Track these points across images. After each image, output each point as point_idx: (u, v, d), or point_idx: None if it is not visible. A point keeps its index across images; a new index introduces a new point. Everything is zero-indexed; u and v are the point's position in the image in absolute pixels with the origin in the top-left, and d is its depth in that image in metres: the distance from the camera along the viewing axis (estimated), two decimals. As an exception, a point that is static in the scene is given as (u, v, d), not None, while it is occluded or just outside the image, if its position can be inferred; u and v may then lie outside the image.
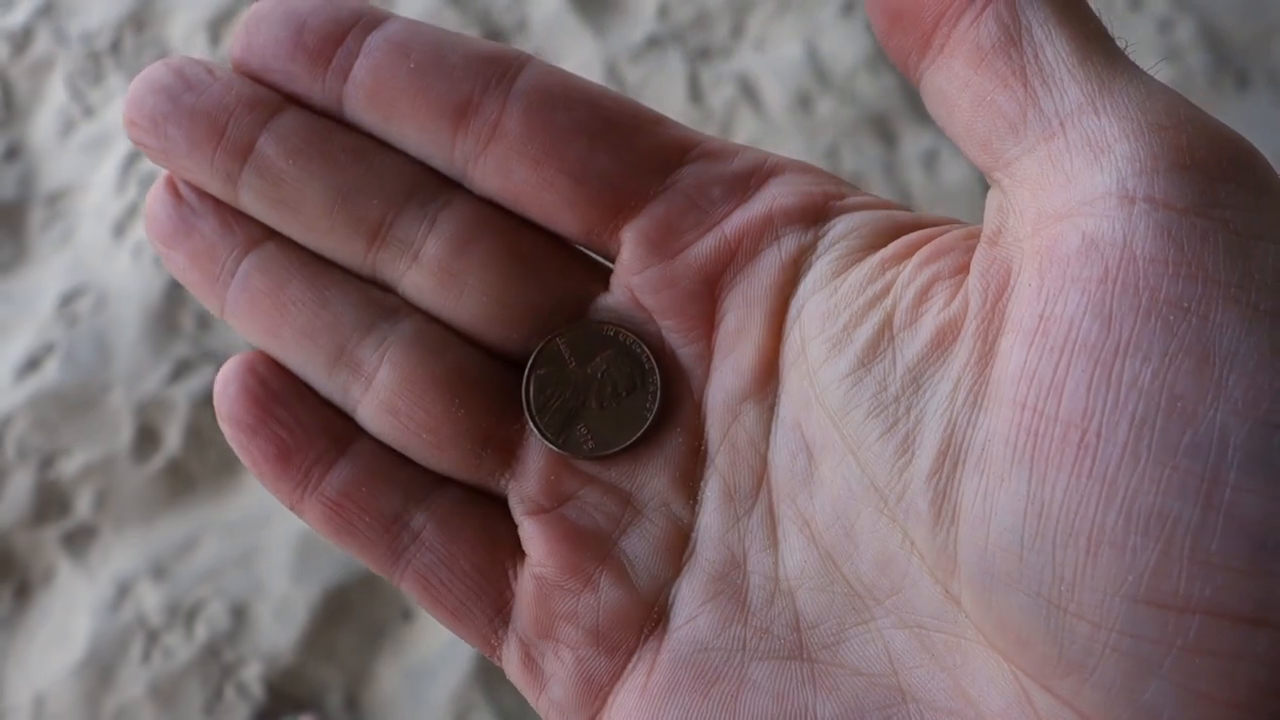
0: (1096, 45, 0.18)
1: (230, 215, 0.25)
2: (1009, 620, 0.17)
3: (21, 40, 1.42)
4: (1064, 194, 0.18)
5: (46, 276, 1.25)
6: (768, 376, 0.23)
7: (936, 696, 0.20)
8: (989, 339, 0.19)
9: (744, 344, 0.24)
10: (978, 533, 0.18)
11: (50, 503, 1.10)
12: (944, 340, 0.20)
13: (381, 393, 0.24)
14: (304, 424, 0.24)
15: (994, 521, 0.17)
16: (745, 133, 1.31)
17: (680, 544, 0.24)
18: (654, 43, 1.39)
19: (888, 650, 0.21)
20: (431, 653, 1.03)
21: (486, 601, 0.24)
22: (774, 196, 0.24)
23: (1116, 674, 0.16)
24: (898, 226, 0.23)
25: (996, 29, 0.18)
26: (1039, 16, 0.18)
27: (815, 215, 0.24)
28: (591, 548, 0.23)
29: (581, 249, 0.26)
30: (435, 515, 0.24)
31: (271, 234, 0.25)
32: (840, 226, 0.23)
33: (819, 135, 1.30)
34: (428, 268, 0.24)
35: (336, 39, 0.24)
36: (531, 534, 0.24)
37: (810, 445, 0.22)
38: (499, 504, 0.25)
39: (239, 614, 1.05)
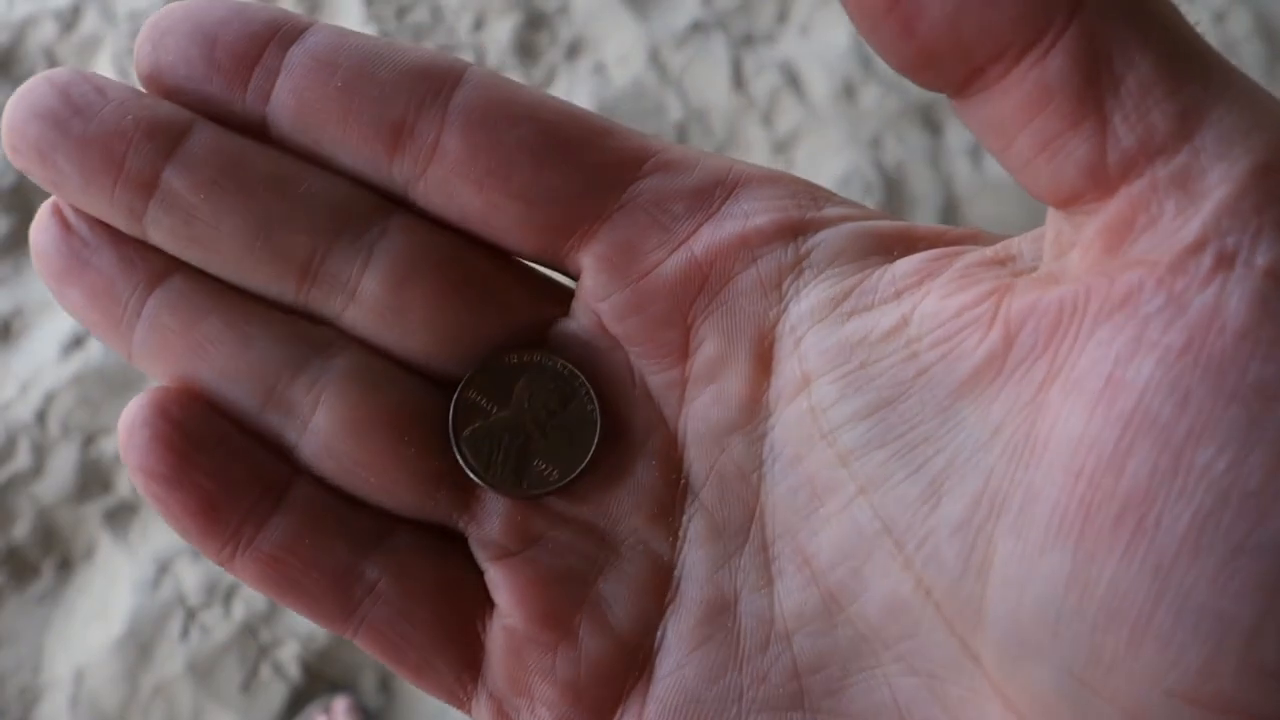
0: (1190, 65, 0.15)
1: (130, 247, 0.22)
2: (1034, 690, 0.17)
3: (70, 19, 1.44)
4: (1148, 241, 0.16)
5: (91, 255, 1.26)
6: (755, 408, 0.22)
7: None
8: (1035, 385, 0.17)
9: (728, 374, 0.22)
10: (1009, 596, 0.17)
11: (93, 480, 1.12)
12: (980, 380, 0.18)
13: (320, 435, 0.22)
14: (231, 471, 0.21)
15: (1030, 589, 0.16)
16: (788, 121, 1.30)
17: (663, 585, 0.22)
18: (697, 28, 1.37)
19: (895, 699, 0.19)
20: (465, 637, 1.03)
21: (452, 656, 0.22)
22: (745, 213, 0.22)
23: None
24: (886, 239, 0.21)
25: (1067, 65, 0.15)
26: (1119, 42, 0.15)
27: (792, 231, 0.22)
28: (567, 594, 0.22)
29: (535, 267, 0.24)
30: (391, 564, 0.22)
31: (180, 265, 0.22)
32: (824, 245, 0.21)
33: (863, 124, 1.29)
34: (367, 306, 0.22)
35: (253, 56, 0.21)
36: (498, 581, 0.22)
37: (813, 482, 0.20)
38: (461, 545, 0.23)
39: (276, 594, 1.06)
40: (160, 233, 0.22)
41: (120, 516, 1.11)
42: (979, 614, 0.18)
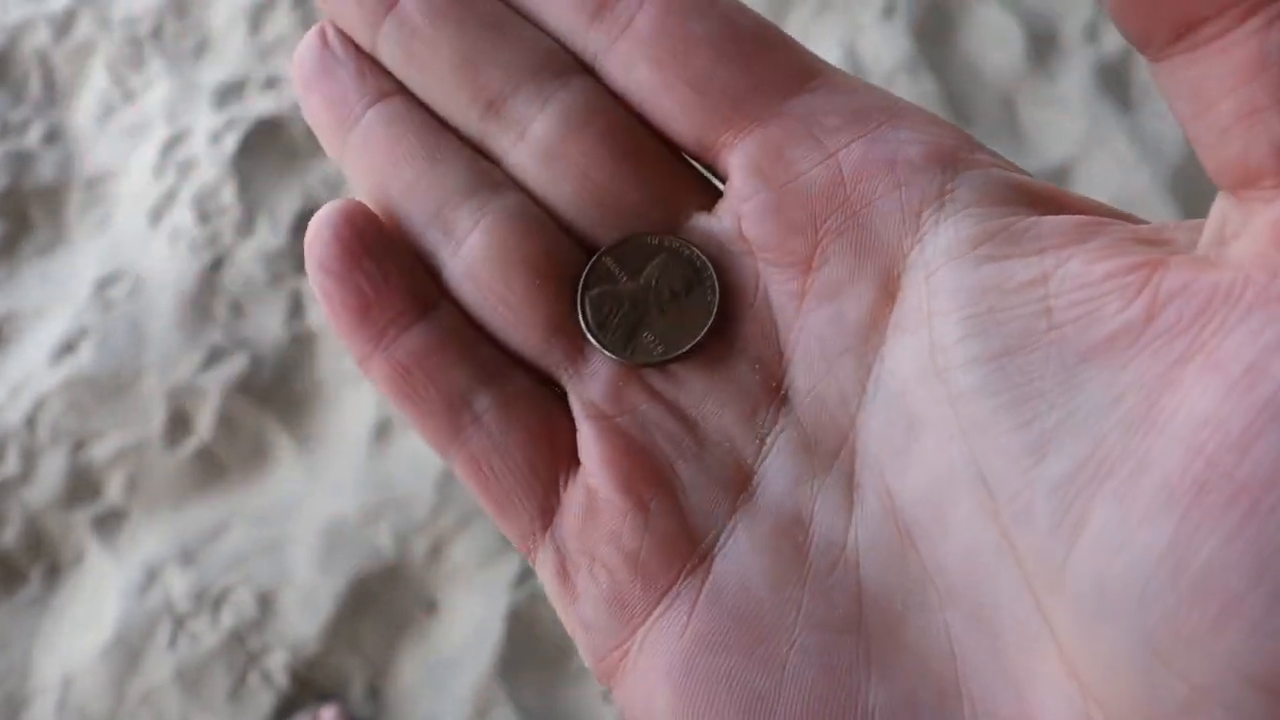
0: None
1: (367, 65, 0.25)
2: (1104, 654, 0.17)
3: (64, 24, 1.44)
4: None
5: (83, 260, 1.26)
6: (871, 334, 0.22)
7: (999, 707, 0.19)
8: (1169, 361, 0.17)
9: (851, 295, 0.22)
10: (1099, 561, 0.17)
11: (82, 485, 1.12)
12: (1114, 347, 0.17)
13: (468, 259, 0.24)
14: (390, 280, 0.23)
15: (1122, 556, 0.16)
16: (781, 133, 1.30)
17: (740, 485, 0.22)
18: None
19: (952, 644, 0.19)
20: (454, 645, 1.03)
21: (533, 501, 0.23)
22: (900, 140, 0.22)
23: None
24: (1035, 195, 0.21)
25: None
26: None
27: (942, 165, 0.22)
28: (647, 466, 0.23)
29: (691, 162, 0.25)
30: (500, 400, 0.23)
31: (401, 89, 0.25)
32: (971, 185, 0.21)
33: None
34: (532, 146, 0.24)
35: None
36: (588, 440, 0.23)
37: (913, 418, 0.20)
38: (564, 401, 0.24)
39: (265, 602, 1.05)
40: (388, 46, 0.25)
41: (109, 523, 1.10)
42: (1061, 575, 0.17)
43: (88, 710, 1.01)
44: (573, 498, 0.23)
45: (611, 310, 0.24)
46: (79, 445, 1.14)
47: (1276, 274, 0.16)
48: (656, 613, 0.22)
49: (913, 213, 0.22)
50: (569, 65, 0.25)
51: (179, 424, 1.14)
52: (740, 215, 0.23)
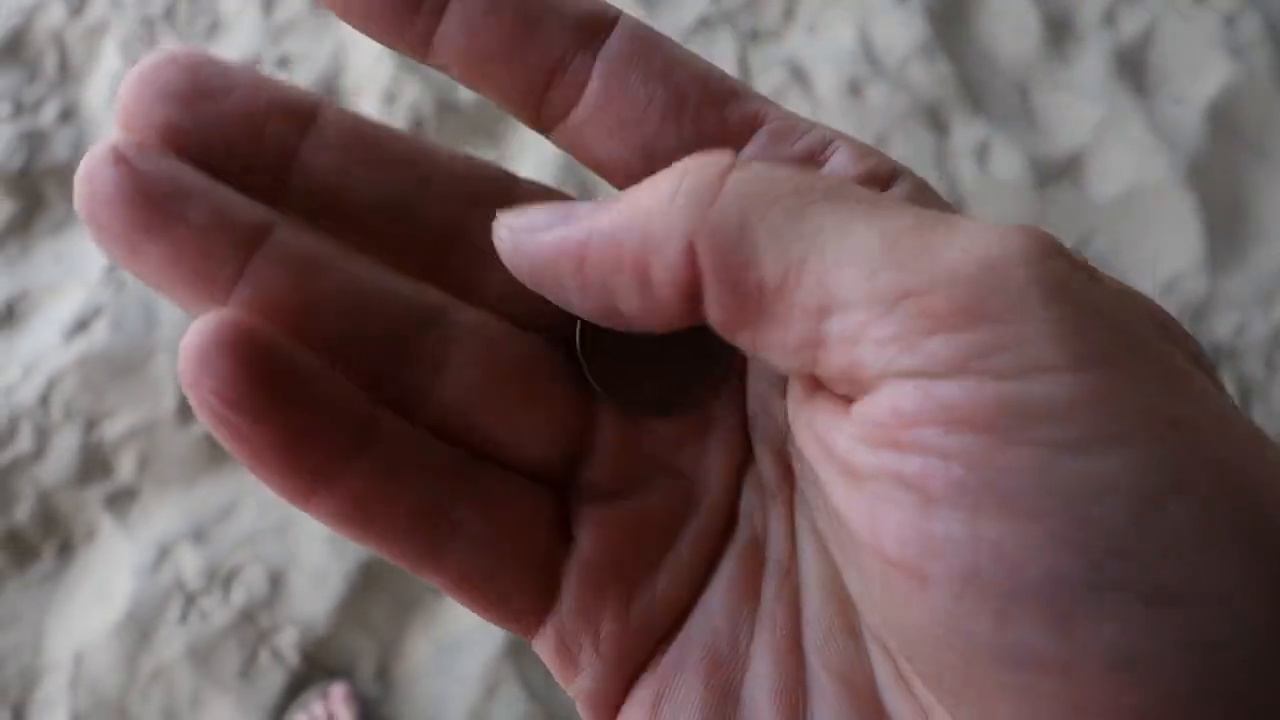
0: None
1: (227, 194, 0.21)
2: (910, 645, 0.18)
3: (78, 4, 1.44)
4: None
5: (96, 240, 1.26)
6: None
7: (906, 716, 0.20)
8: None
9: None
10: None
11: (94, 464, 1.12)
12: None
13: (450, 390, 0.22)
14: (320, 405, 0.20)
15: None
16: (794, 118, 1.30)
17: (725, 532, 0.23)
18: (705, 23, 1.37)
19: (871, 669, 0.21)
20: (463, 626, 1.04)
21: (533, 593, 0.22)
22: (840, 167, 0.23)
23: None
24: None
25: None
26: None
27: (881, 183, 0.23)
28: (651, 540, 0.23)
29: None
30: (480, 499, 0.22)
31: (276, 215, 0.22)
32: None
33: (869, 122, 1.29)
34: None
35: None
36: (590, 521, 0.23)
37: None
38: (543, 481, 0.23)
39: (276, 581, 1.06)
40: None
41: (121, 501, 1.11)
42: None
43: (99, 687, 1.02)
44: (571, 577, 0.22)
45: (619, 362, 0.23)
46: (91, 424, 1.14)
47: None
48: (649, 667, 0.22)
49: None
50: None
51: (190, 404, 1.14)
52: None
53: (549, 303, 0.22)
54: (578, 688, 0.23)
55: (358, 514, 0.20)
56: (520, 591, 0.22)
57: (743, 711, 0.21)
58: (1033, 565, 0.15)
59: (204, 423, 0.19)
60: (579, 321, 0.23)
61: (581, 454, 0.23)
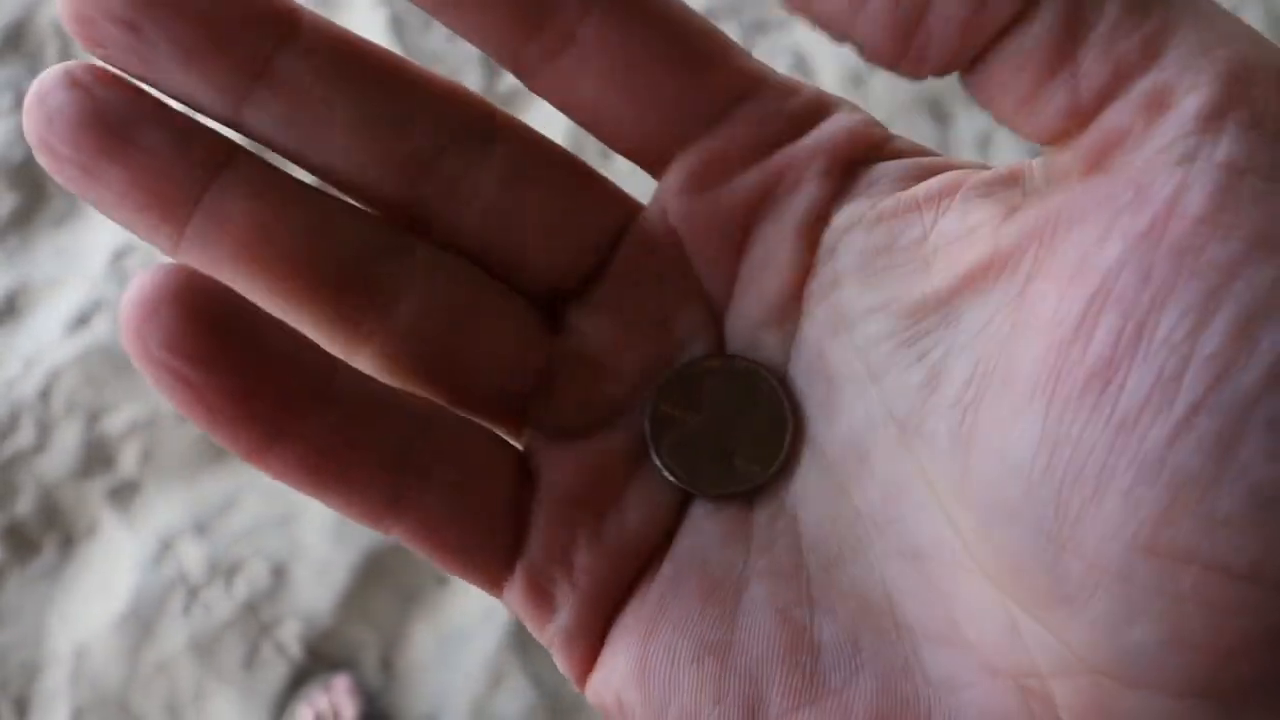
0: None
1: (184, 121, 0.21)
2: (1008, 550, 0.18)
3: (78, -2, 1.44)
4: (1124, 155, 0.17)
5: (98, 232, 1.26)
6: (791, 306, 0.23)
7: (928, 624, 0.20)
8: (1021, 282, 0.19)
9: (769, 273, 0.23)
10: (990, 463, 0.18)
11: (96, 457, 1.12)
12: (982, 279, 0.19)
13: (409, 320, 0.22)
14: (273, 356, 0.19)
15: (1007, 454, 0.18)
16: (797, 109, 1.30)
17: None
18: (709, 14, 1.37)
19: (883, 577, 0.21)
20: (466, 617, 1.04)
21: (505, 537, 0.21)
22: (826, 133, 0.23)
23: (1105, 613, 0.16)
24: (936, 170, 0.23)
25: (1042, 31, 0.17)
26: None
27: (863, 153, 0.23)
28: (618, 470, 0.22)
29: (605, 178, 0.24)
30: (445, 443, 0.21)
31: (234, 148, 0.21)
32: (883, 166, 0.23)
33: (872, 112, 1.28)
34: (475, 202, 0.22)
35: None
36: (551, 460, 0.22)
37: (831, 374, 0.22)
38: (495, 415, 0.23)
39: (278, 573, 1.06)
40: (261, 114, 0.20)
41: (123, 494, 1.11)
42: (963, 489, 0.19)
43: (101, 680, 1.01)
44: (538, 515, 0.22)
45: (691, 451, 0.23)
46: (93, 417, 1.14)
47: (1092, 189, 0.17)
48: (632, 595, 0.22)
49: (829, 194, 0.23)
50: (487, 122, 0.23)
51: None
52: (666, 209, 0.23)
53: (519, 245, 0.22)
54: (555, 628, 0.22)
55: (319, 465, 0.20)
56: (487, 539, 0.21)
57: (741, 634, 0.21)
58: None
59: (149, 378, 0.18)
60: (647, 419, 0.23)
61: (541, 394, 0.23)
